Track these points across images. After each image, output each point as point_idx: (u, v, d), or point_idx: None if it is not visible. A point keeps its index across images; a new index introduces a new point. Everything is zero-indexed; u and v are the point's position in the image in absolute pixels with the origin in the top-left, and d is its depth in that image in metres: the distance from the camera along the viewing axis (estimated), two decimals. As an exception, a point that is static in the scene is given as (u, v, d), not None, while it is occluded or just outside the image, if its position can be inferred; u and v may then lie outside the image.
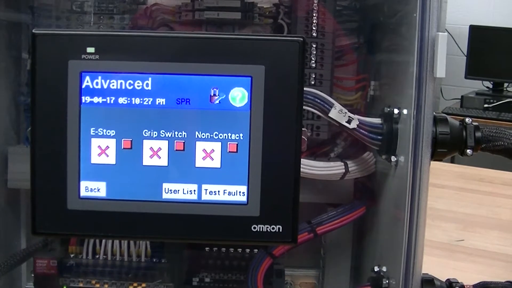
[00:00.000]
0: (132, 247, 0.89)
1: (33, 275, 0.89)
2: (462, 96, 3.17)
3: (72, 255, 0.89)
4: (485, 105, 3.09)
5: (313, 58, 0.87)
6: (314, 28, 0.87)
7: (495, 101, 3.09)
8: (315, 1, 0.87)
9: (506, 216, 1.45)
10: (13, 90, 0.90)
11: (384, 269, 0.79)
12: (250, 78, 0.65)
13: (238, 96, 0.65)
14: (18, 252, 0.88)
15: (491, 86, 3.27)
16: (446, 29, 3.17)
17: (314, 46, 0.87)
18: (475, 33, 3.24)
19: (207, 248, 0.90)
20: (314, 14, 0.87)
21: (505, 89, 3.26)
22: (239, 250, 0.90)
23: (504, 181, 1.69)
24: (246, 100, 0.65)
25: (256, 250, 0.88)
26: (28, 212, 0.92)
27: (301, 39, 0.65)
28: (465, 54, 3.24)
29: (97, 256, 0.89)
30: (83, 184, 0.66)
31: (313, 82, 0.87)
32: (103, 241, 0.89)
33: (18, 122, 0.91)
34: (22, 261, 0.88)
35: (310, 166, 0.79)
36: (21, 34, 0.91)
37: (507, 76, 3.21)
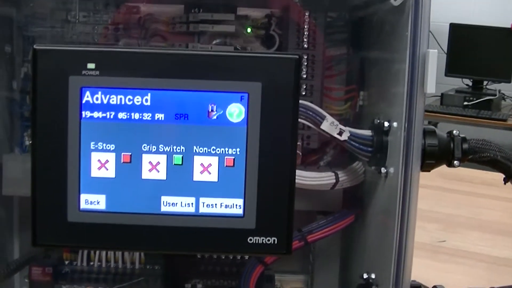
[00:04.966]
0: (126, 254, 0.90)
1: (27, 281, 0.90)
2: (442, 94, 3.20)
3: (67, 262, 0.90)
4: (465, 103, 3.12)
5: (304, 69, 0.88)
6: (305, 39, 0.88)
7: (474, 98, 3.13)
8: (306, 13, 0.89)
9: (486, 217, 1.46)
10: (5, 95, 0.90)
11: (372, 276, 0.81)
12: (247, 94, 0.66)
13: (235, 112, 0.66)
14: (14, 261, 0.89)
15: (470, 84, 3.31)
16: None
17: (305, 57, 0.88)
18: (455, 31, 3.28)
19: (199, 255, 0.92)
20: (305, 26, 0.88)
21: (484, 86, 3.30)
22: (231, 257, 0.92)
23: (484, 180, 1.69)
24: (243, 116, 0.66)
25: (247, 257, 0.90)
26: (21, 219, 0.93)
27: (297, 56, 0.66)
28: (445, 51, 3.28)
29: (92, 263, 0.91)
30: (83, 197, 0.67)
31: (304, 93, 0.89)
32: (98, 248, 0.90)
33: (12, 129, 0.91)
34: (18, 270, 0.88)
35: (302, 177, 0.80)
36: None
37: (487, 74, 3.25)
